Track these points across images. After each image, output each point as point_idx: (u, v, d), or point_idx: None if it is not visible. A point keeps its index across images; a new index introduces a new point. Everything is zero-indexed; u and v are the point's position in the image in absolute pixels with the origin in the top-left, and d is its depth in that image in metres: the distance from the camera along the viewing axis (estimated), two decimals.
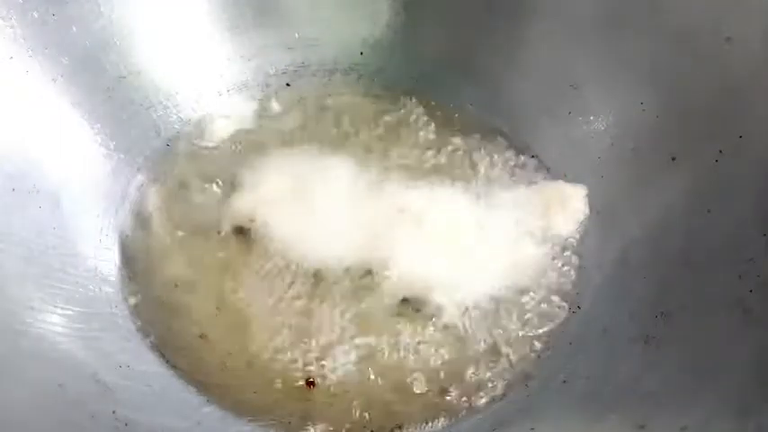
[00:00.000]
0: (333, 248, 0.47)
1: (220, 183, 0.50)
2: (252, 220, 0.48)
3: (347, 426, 0.41)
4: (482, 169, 0.51)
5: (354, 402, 0.42)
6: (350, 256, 0.46)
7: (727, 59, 0.43)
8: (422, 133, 0.53)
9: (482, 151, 0.52)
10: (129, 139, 0.50)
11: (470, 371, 0.43)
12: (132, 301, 0.45)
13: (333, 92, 0.55)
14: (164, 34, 0.52)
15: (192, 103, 0.53)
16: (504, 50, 0.53)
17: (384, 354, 0.44)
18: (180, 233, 0.48)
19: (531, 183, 0.50)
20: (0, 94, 0.44)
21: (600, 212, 0.48)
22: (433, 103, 0.54)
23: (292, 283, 0.45)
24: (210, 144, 0.52)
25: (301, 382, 0.42)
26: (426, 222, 0.48)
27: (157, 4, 0.51)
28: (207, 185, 0.50)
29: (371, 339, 0.44)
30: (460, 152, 0.52)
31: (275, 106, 0.54)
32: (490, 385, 0.43)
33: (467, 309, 0.45)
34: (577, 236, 0.48)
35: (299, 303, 0.45)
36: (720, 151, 0.43)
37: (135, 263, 0.46)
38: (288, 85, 0.55)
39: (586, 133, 0.51)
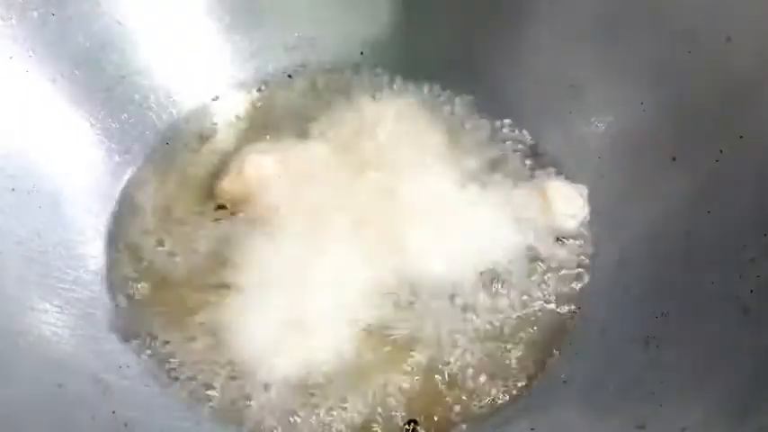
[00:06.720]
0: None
1: (220, 182, 0.49)
2: (247, 211, 0.48)
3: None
4: (481, 169, 0.51)
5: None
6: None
7: (727, 59, 0.43)
8: (421, 133, 0.53)
9: (481, 151, 0.52)
10: (129, 139, 0.50)
11: (469, 371, 0.43)
12: (132, 300, 0.45)
13: (332, 92, 0.55)
14: (164, 34, 0.52)
15: (191, 102, 0.53)
16: (504, 50, 0.53)
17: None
18: (181, 231, 0.48)
19: (531, 182, 0.50)
20: (0, 94, 0.44)
21: (600, 212, 0.48)
22: (432, 102, 0.54)
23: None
24: (210, 143, 0.52)
25: None
26: (419, 216, 0.47)
27: (157, 3, 0.51)
28: (207, 185, 0.50)
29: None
30: (459, 152, 0.52)
31: (275, 106, 0.54)
32: (490, 386, 0.43)
33: (465, 308, 0.45)
34: (577, 236, 0.48)
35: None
36: (720, 151, 0.43)
37: (135, 262, 0.46)
38: (290, 77, 0.56)
39: (586, 133, 0.51)
